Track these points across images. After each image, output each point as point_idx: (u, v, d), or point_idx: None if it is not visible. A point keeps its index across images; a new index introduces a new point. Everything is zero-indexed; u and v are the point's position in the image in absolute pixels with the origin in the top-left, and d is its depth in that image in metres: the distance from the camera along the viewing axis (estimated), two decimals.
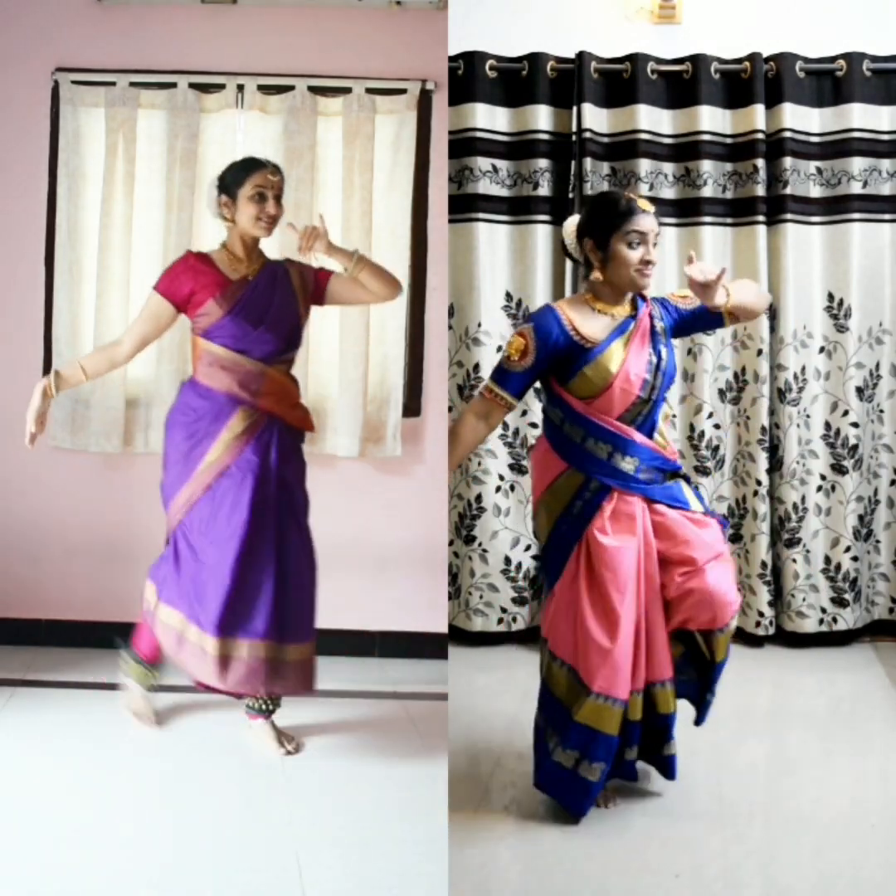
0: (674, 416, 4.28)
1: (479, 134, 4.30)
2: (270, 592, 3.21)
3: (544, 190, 4.33)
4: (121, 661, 3.51)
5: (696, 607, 2.80)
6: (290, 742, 3.35)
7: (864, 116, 4.27)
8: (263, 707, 3.37)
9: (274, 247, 3.62)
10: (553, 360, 2.78)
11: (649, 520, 2.82)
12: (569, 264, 4.27)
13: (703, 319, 2.92)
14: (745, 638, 4.29)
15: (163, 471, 3.42)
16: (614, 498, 2.80)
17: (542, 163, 4.31)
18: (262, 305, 3.28)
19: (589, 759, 2.82)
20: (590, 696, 2.80)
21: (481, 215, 4.32)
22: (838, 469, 4.34)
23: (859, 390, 4.34)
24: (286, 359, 3.35)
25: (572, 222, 2.93)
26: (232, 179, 3.30)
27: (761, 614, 4.31)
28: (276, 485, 3.27)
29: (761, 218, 4.24)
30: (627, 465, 2.79)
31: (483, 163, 4.31)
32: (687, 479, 2.94)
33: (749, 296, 2.90)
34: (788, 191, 4.25)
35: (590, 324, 2.79)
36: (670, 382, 2.88)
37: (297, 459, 3.38)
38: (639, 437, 2.80)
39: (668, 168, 4.31)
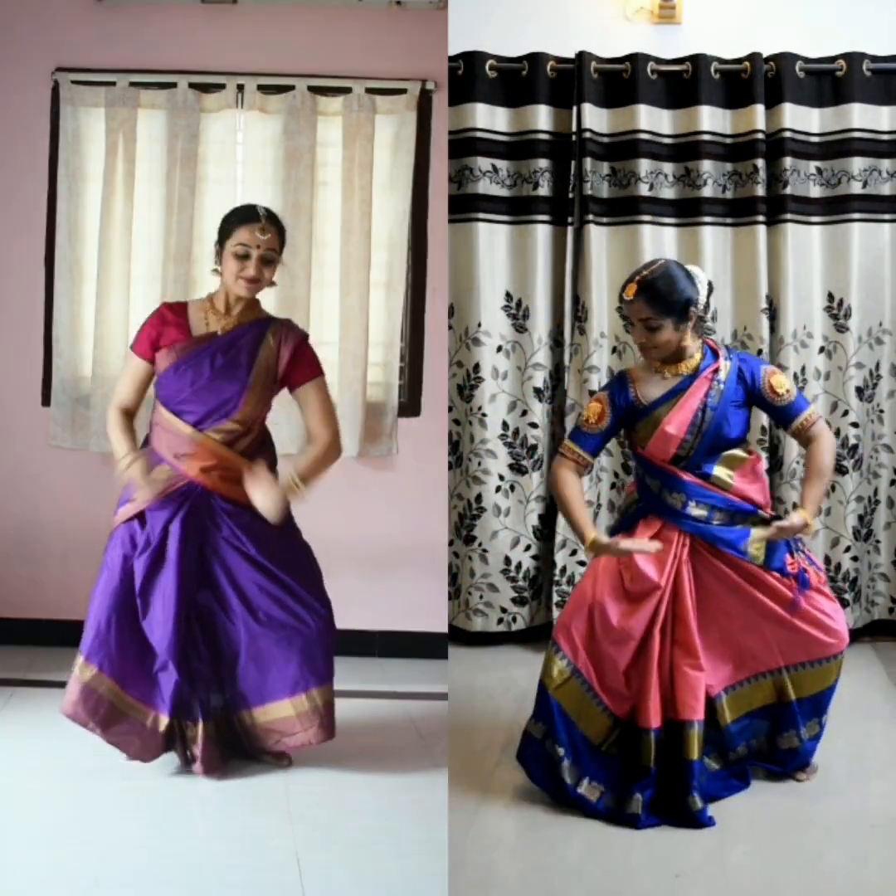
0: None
1: (479, 134, 4.29)
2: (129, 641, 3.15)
3: (544, 190, 4.32)
4: None
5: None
6: (284, 758, 3.30)
7: (864, 116, 4.26)
8: None
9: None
10: (622, 419, 3.02)
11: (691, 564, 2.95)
12: (569, 265, 4.28)
13: (776, 418, 3.06)
14: None
15: None
16: (655, 527, 2.96)
17: (542, 163, 4.31)
18: (207, 367, 3.12)
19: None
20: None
21: (481, 215, 4.31)
22: (838, 469, 4.33)
23: (859, 390, 4.34)
24: (220, 429, 3.13)
25: None
26: (223, 228, 3.14)
27: None
28: (184, 556, 3.13)
29: (761, 218, 4.24)
30: (675, 500, 2.94)
31: (483, 163, 4.30)
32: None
33: (820, 490, 2.98)
34: (788, 191, 4.24)
35: (650, 386, 3.00)
36: (715, 441, 2.93)
37: (232, 532, 3.17)
38: (686, 476, 2.93)
39: (668, 168, 4.31)
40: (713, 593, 2.95)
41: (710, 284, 3.01)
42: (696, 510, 2.92)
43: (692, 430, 2.92)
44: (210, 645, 3.20)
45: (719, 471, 2.95)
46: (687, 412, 2.93)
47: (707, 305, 2.99)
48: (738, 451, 2.99)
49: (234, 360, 3.14)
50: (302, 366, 3.21)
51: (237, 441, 3.17)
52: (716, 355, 2.99)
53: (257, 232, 3.09)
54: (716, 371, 2.96)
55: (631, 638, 2.90)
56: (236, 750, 3.26)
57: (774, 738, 3.05)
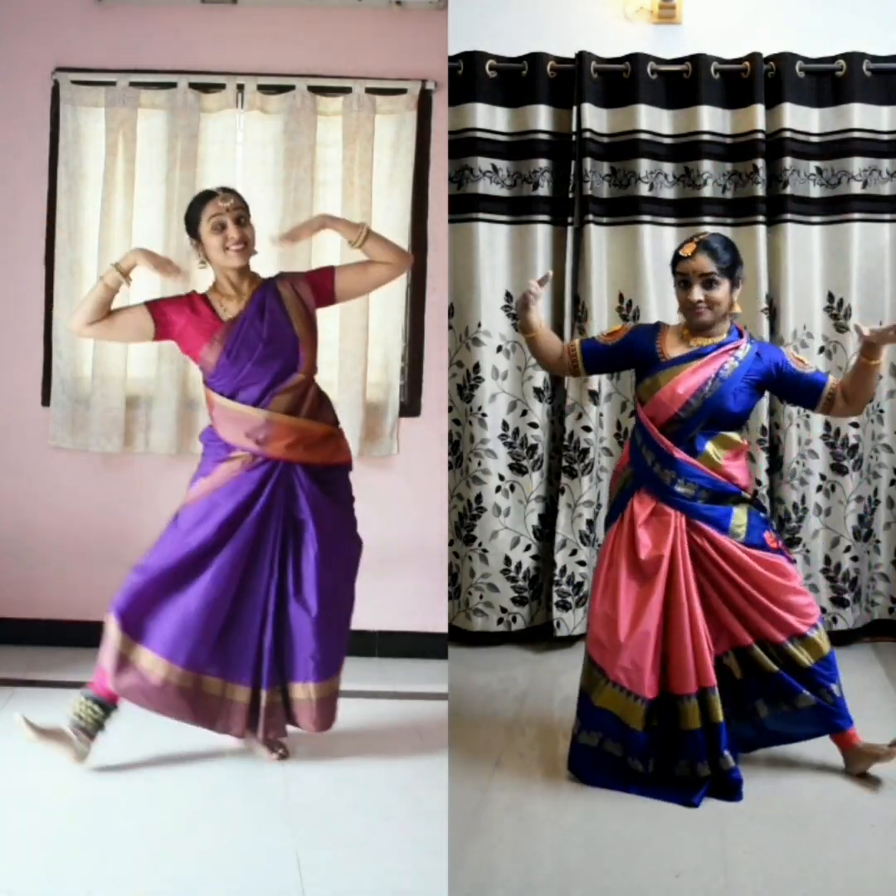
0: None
1: (479, 134, 4.29)
2: (215, 629, 3.20)
3: (544, 190, 4.32)
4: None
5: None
6: (279, 748, 3.33)
7: (864, 116, 4.26)
8: None
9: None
10: (632, 357, 3.14)
11: (687, 537, 3.05)
12: (569, 264, 4.28)
13: (800, 389, 3.09)
14: None
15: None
16: (650, 505, 3.07)
17: (542, 163, 4.31)
18: (253, 340, 3.21)
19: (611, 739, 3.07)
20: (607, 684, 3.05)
21: (481, 215, 4.32)
22: (838, 469, 4.34)
23: None
24: (289, 387, 3.24)
25: None
26: (191, 219, 3.24)
27: None
28: (272, 525, 3.21)
29: (761, 218, 4.24)
30: (665, 476, 3.06)
31: (483, 163, 4.30)
32: (755, 505, 3.13)
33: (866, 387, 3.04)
34: (788, 191, 4.24)
35: (674, 347, 3.10)
36: (715, 413, 3.03)
37: (319, 497, 3.26)
38: (679, 454, 3.04)
39: (668, 168, 4.31)
40: (708, 564, 3.05)
41: None
42: (683, 488, 3.04)
43: (697, 396, 3.02)
44: (276, 616, 3.26)
45: (711, 448, 3.06)
46: (699, 378, 3.03)
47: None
48: (733, 435, 3.09)
49: (275, 322, 3.24)
50: (320, 277, 3.32)
51: (303, 400, 3.27)
52: (740, 335, 3.12)
53: (219, 201, 3.22)
54: (736, 348, 3.07)
55: (648, 625, 3.00)
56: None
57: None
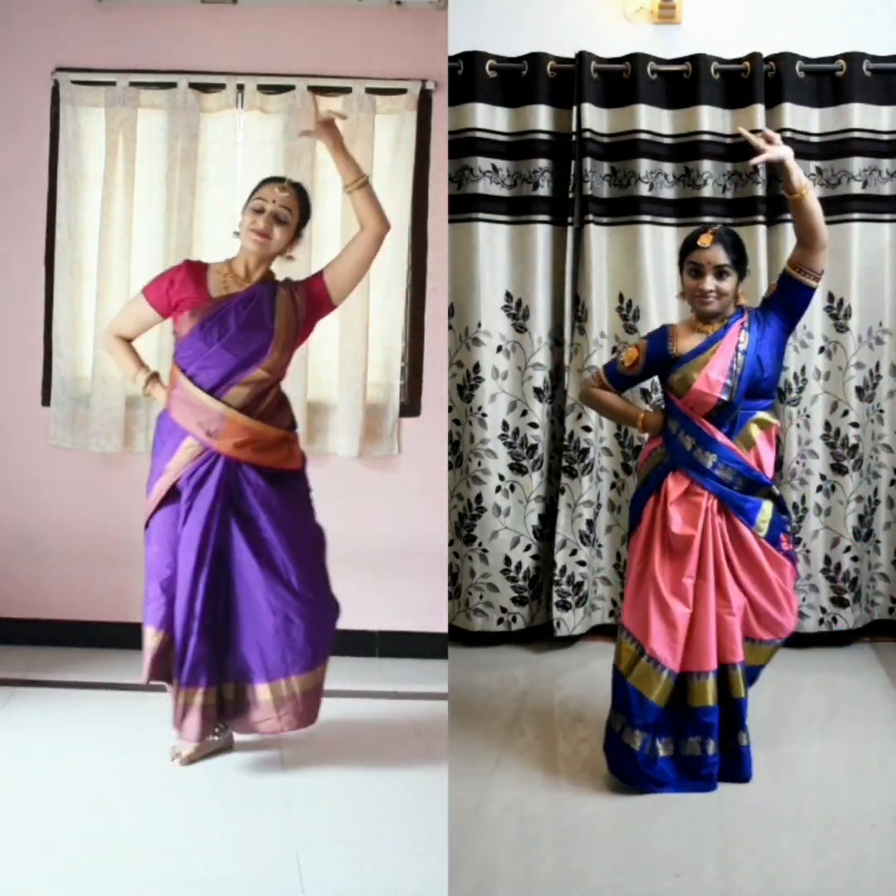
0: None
1: (479, 134, 4.29)
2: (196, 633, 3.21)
3: (544, 190, 4.32)
4: None
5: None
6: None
7: (864, 116, 4.26)
8: None
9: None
10: (654, 369, 3.20)
11: (716, 519, 3.09)
12: (569, 264, 4.28)
13: (789, 289, 3.11)
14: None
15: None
16: (684, 484, 3.10)
17: (542, 163, 4.31)
18: (230, 322, 3.18)
19: (631, 726, 3.04)
20: (642, 658, 3.04)
21: (481, 215, 4.32)
22: (838, 469, 4.34)
23: (859, 390, 4.34)
24: (250, 380, 3.20)
25: None
26: (251, 193, 3.26)
27: None
28: (221, 520, 3.20)
29: (761, 218, 4.24)
30: (705, 459, 3.09)
31: (483, 163, 4.30)
32: (779, 504, 3.16)
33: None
34: None
35: (687, 340, 3.15)
36: (752, 384, 3.08)
37: (269, 492, 3.25)
38: (720, 437, 3.08)
39: (668, 168, 4.31)
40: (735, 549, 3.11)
41: None
42: (722, 472, 3.08)
43: (731, 375, 3.07)
44: (224, 611, 3.25)
45: (750, 427, 3.12)
46: (725, 359, 3.08)
47: None
48: (767, 415, 3.14)
49: (257, 311, 3.21)
50: (312, 281, 3.30)
51: (262, 398, 3.23)
52: (743, 311, 3.15)
53: (276, 189, 3.20)
54: (743, 323, 3.12)
55: (685, 598, 3.04)
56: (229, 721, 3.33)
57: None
